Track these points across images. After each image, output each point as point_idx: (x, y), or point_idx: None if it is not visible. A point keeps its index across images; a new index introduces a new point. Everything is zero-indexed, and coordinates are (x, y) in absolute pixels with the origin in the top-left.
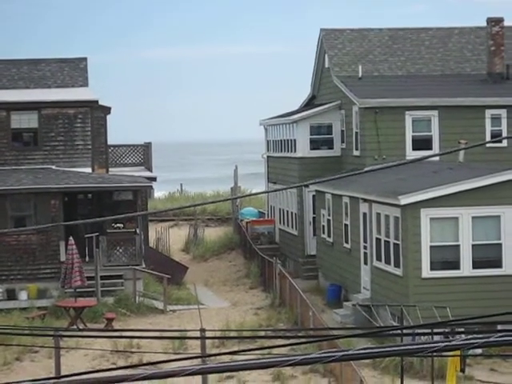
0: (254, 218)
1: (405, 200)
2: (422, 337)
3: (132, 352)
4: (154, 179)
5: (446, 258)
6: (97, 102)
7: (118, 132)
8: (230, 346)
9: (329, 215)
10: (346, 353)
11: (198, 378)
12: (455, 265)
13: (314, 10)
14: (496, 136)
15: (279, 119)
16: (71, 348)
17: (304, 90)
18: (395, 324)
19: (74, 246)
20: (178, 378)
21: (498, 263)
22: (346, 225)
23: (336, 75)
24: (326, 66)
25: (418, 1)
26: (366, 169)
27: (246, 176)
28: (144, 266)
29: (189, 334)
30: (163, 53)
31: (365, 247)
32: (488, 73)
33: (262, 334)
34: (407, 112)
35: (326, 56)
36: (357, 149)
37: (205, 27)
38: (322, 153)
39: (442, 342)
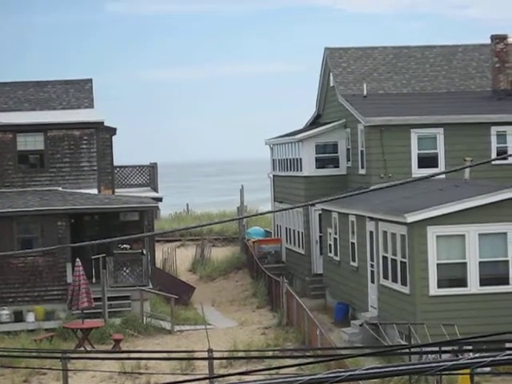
0: (261, 238)
1: (411, 218)
2: (430, 355)
3: (140, 373)
4: (160, 199)
5: (453, 275)
6: (102, 123)
7: (124, 153)
8: (238, 366)
9: (335, 234)
10: (353, 373)
11: None
12: (462, 282)
13: (317, 28)
14: (502, 153)
15: (285, 138)
16: (79, 370)
17: (309, 109)
18: (403, 342)
19: (81, 268)
20: None
21: (505, 280)
22: (352, 243)
23: (341, 94)
24: (331, 84)
25: (416, 18)
26: (372, 187)
27: (252, 196)
28: (151, 286)
29: (196, 354)
30: (164, 74)
31: (372, 265)
32: (493, 90)
33: (270, 353)
34: (412, 130)
35: (331, 74)
36: (362, 167)
37: (207, 47)
38: (328, 171)
39: (450, 360)
